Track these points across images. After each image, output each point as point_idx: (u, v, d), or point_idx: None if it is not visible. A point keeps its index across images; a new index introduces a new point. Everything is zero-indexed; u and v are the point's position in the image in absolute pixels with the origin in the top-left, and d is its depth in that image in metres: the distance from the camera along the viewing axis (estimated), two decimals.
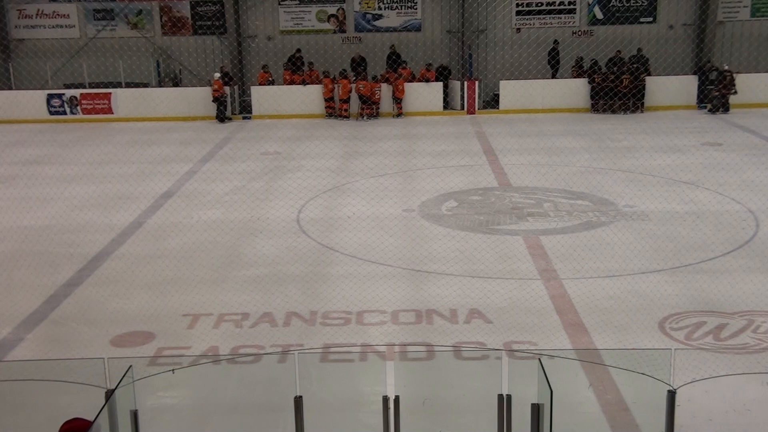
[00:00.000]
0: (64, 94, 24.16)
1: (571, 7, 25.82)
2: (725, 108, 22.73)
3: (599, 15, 25.86)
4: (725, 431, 6.53)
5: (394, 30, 26.07)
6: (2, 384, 6.25)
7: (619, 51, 23.86)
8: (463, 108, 24.01)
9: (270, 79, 24.51)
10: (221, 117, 23.38)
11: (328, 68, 24.19)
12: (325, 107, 23.77)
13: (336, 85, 23.52)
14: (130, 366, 4.99)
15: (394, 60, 24.82)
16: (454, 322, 8.74)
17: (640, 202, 13.42)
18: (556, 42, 25.00)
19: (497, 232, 12.00)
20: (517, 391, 5.20)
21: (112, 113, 23.94)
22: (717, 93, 22.84)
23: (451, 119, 23.38)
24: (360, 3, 26.04)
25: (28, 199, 14.37)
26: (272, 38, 26.25)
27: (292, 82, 24.14)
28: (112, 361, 5.17)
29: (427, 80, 24.18)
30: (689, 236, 11.50)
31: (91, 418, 4.41)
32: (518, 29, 25.92)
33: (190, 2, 26.16)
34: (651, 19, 25.83)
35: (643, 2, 25.74)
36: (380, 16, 26.14)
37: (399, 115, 23.67)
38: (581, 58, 24.57)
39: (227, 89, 23.76)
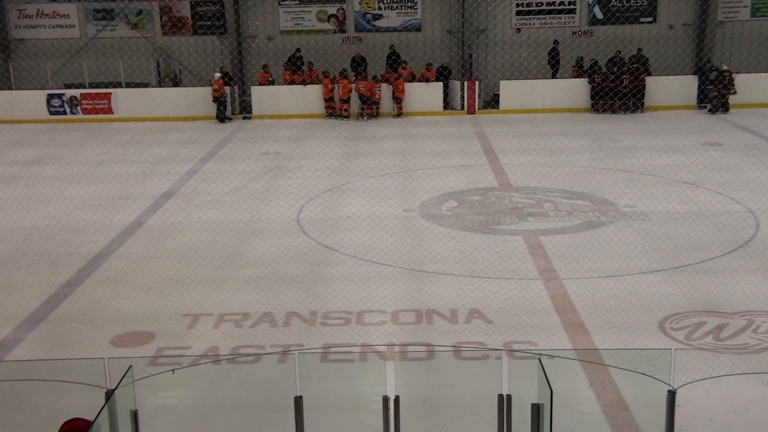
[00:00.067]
0: (64, 94, 24.16)
1: (571, 7, 25.82)
2: (725, 108, 22.73)
3: (599, 15, 25.86)
4: (725, 431, 6.53)
5: (394, 30, 26.07)
6: (2, 384, 6.26)
7: (619, 51, 23.86)
8: (463, 108, 24.01)
9: (270, 79, 24.51)
10: (221, 117, 23.38)
11: (328, 68, 24.19)
12: (325, 107, 23.77)
13: (336, 85, 23.52)
14: (130, 366, 4.99)
15: (394, 60, 24.82)
16: (454, 322, 8.74)
17: (640, 202, 13.42)
18: (556, 42, 25.00)
19: (497, 232, 12.00)
20: (517, 391, 5.20)
21: (112, 113, 23.94)
22: (716, 93, 22.85)
23: (451, 119, 23.37)
24: (360, 3, 26.04)
25: (28, 199, 14.37)
26: (272, 38, 26.24)
27: (292, 82, 24.14)
28: (112, 361, 5.17)
29: (428, 80, 24.18)
30: (689, 236, 11.50)
31: (91, 418, 4.41)
32: (518, 29, 25.91)
33: (190, 2, 26.16)
34: (651, 19, 25.82)
35: (643, 2, 25.73)
36: (380, 16, 26.14)
37: (399, 115, 23.67)
38: (581, 58, 24.57)
39: (227, 89, 23.76)
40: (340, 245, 11.49)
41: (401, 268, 10.50)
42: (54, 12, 26.21)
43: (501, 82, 24.14)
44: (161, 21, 26.27)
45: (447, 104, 24.28)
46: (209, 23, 26.21)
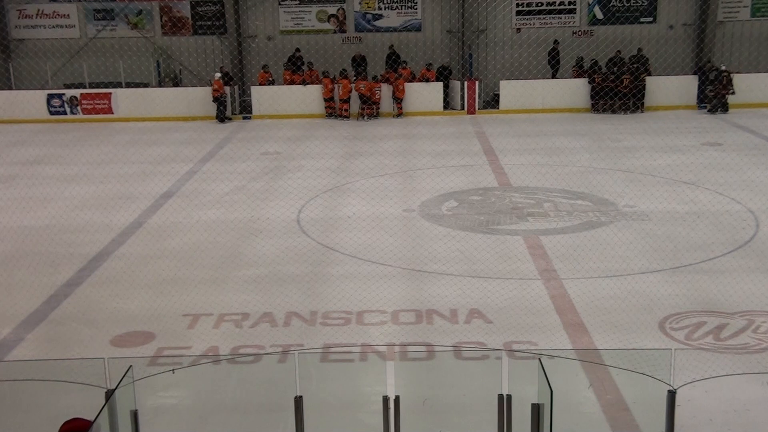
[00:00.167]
0: (64, 94, 24.16)
1: (571, 7, 25.82)
2: (724, 108, 22.73)
3: (599, 15, 25.86)
4: (725, 431, 6.53)
5: (394, 30, 26.07)
6: (2, 384, 6.26)
7: (619, 51, 23.86)
8: (463, 108, 24.01)
9: (270, 79, 24.51)
10: (221, 117, 23.38)
11: (328, 68, 24.20)
12: (325, 107, 23.77)
13: (336, 85, 23.52)
14: (130, 366, 4.99)
15: (394, 60, 24.81)
16: (454, 322, 8.74)
17: (640, 202, 13.42)
18: (556, 42, 25.00)
19: (497, 232, 12.00)
20: (517, 391, 5.20)
21: (112, 113, 23.94)
22: (711, 93, 22.86)
23: (451, 119, 23.37)
24: (360, 3, 26.04)
25: (28, 199, 14.37)
26: (272, 38, 26.25)
27: (292, 82, 24.14)
28: (112, 361, 5.17)
29: (428, 80, 24.18)
30: (689, 236, 11.50)
31: (91, 418, 4.41)
32: (518, 29, 25.91)
33: (190, 2, 26.16)
34: (651, 19, 25.82)
35: (643, 2, 25.74)
36: (380, 16, 26.14)
37: (399, 115, 23.66)
38: (581, 58, 24.57)
39: (227, 89, 23.76)
40: (340, 245, 11.49)
41: (401, 268, 10.50)
42: (54, 12, 26.21)
43: (501, 82, 24.14)
44: (161, 21, 26.27)
45: (447, 104, 24.28)
46: (209, 23, 26.21)
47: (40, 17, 26.25)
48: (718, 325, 8.48)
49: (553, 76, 24.57)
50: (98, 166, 17.39)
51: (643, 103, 23.33)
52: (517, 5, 25.76)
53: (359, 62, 24.17)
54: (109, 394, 4.80)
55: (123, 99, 24.02)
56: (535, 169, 15.92)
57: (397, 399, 5.14)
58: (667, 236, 11.57)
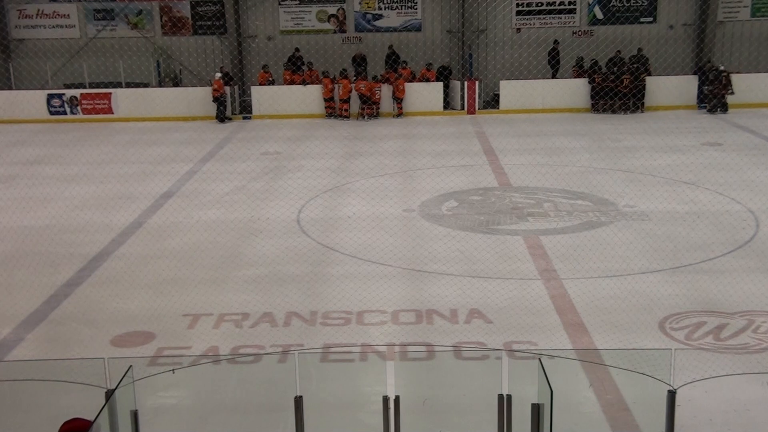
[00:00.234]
0: (64, 94, 24.16)
1: (571, 7, 25.83)
2: (724, 108, 22.72)
3: (599, 15, 25.86)
4: (725, 431, 6.53)
5: (394, 30, 26.07)
6: (2, 384, 6.25)
7: (619, 51, 23.86)
8: (463, 108, 24.01)
9: (270, 79, 24.51)
10: (221, 117, 23.38)
11: (328, 68, 24.19)
12: (325, 107, 23.77)
13: (336, 85, 23.52)
14: (130, 366, 4.99)
15: (394, 60, 24.81)
16: (454, 322, 8.74)
17: (640, 202, 13.42)
18: (556, 42, 25.00)
19: (497, 232, 12.00)
20: (517, 391, 5.20)
21: (112, 113, 23.94)
22: (708, 92, 22.86)
23: (451, 119, 23.37)
24: (360, 3, 26.04)
25: (28, 199, 14.37)
26: (272, 38, 26.25)
27: (292, 82, 24.14)
28: (112, 361, 5.17)
29: (428, 80, 24.18)
30: (689, 236, 11.50)
31: (91, 418, 4.41)
32: (518, 29, 25.91)
33: (190, 2, 26.16)
34: (651, 19, 25.82)
35: (643, 2, 25.74)
36: (380, 16, 26.14)
37: (399, 115, 23.66)
38: (581, 58, 24.57)
39: (227, 89, 23.76)
40: (340, 245, 11.49)
41: (401, 268, 10.50)
42: (54, 12, 26.22)
43: (501, 82, 24.14)
44: (161, 21, 26.27)
45: (447, 104, 24.28)
46: (209, 23, 26.21)
47: (40, 17, 26.25)
48: (718, 325, 8.48)
49: (553, 76, 24.57)
50: (98, 166, 17.39)
51: (643, 103, 23.33)
52: (517, 5, 25.76)
53: (359, 62, 24.16)
54: (109, 394, 4.80)
55: (123, 99, 24.02)
56: (535, 169, 15.92)
57: (397, 399, 5.14)
58: (667, 236, 11.57)
